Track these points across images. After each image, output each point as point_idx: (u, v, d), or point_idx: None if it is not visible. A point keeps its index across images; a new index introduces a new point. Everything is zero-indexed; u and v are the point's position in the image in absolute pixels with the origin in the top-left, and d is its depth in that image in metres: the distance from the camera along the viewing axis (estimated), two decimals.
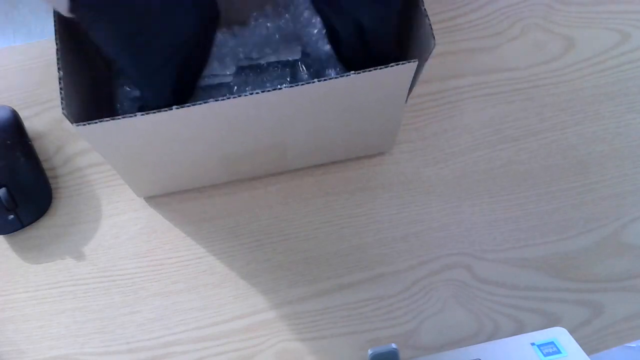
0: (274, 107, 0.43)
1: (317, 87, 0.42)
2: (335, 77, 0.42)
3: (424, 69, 0.46)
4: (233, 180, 0.54)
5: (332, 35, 0.51)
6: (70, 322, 0.52)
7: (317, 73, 0.53)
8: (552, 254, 0.54)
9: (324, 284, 0.53)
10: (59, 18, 0.43)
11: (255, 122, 0.44)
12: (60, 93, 0.40)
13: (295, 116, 0.45)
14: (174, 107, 0.40)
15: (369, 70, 0.41)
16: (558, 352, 0.45)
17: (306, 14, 0.53)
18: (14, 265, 0.53)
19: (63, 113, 0.39)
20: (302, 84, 0.41)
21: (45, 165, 0.55)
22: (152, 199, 0.54)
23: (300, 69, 0.54)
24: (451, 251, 0.54)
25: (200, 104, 0.40)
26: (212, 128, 0.44)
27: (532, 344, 0.46)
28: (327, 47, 0.53)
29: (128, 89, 0.52)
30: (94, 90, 0.48)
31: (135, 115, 0.40)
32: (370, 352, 0.46)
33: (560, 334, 0.47)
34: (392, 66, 0.41)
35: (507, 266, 0.53)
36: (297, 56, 0.53)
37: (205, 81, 0.52)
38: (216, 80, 0.53)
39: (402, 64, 0.41)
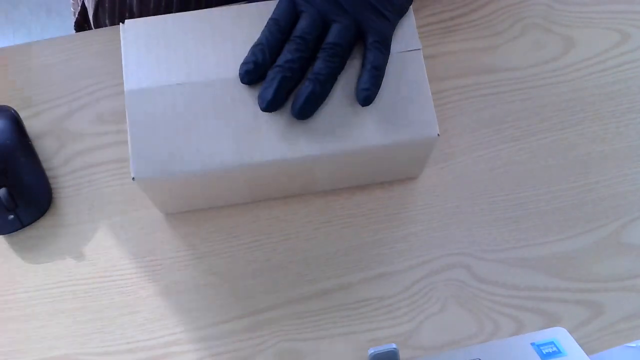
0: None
1: (344, 157, 0.46)
2: (363, 146, 0.46)
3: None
4: (257, 200, 0.54)
5: None
6: (70, 322, 0.52)
7: None
8: (552, 254, 0.54)
9: (324, 284, 0.53)
10: None
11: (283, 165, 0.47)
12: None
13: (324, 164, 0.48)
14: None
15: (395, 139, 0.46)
16: (558, 352, 0.45)
17: None
18: (14, 265, 0.53)
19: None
20: (325, 153, 0.45)
21: (45, 165, 0.55)
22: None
23: None
24: (451, 251, 0.54)
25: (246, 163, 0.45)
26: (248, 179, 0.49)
27: (532, 344, 0.46)
28: None
29: None
30: None
31: (191, 171, 0.45)
32: (370, 352, 0.46)
33: (560, 334, 0.47)
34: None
35: (507, 266, 0.53)
36: None
37: None
38: None
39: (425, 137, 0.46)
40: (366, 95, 0.44)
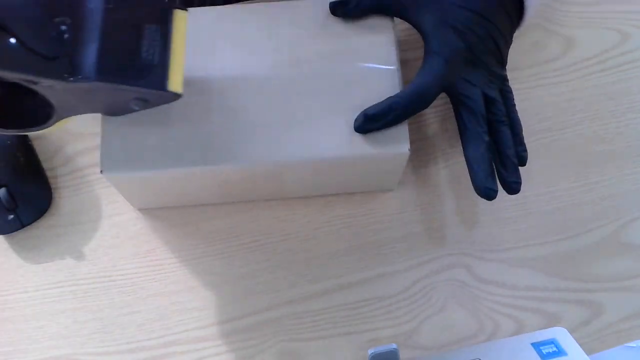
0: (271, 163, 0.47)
1: (314, 163, 0.47)
2: (334, 157, 0.46)
3: None
4: (229, 202, 0.54)
5: None
6: (70, 322, 0.52)
7: None
8: (552, 254, 0.54)
9: (324, 284, 0.53)
10: None
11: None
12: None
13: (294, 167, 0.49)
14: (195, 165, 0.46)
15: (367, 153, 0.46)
16: (558, 352, 0.45)
17: None
18: (14, 265, 0.53)
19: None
20: (297, 160, 0.46)
21: (45, 165, 0.55)
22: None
23: None
24: (451, 251, 0.54)
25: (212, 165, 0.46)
26: (221, 179, 0.49)
27: (532, 344, 0.46)
28: None
29: None
30: None
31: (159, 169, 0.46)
32: (370, 352, 0.46)
33: (560, 334, 0.47)
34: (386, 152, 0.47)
35: (507, 266, 0.53)
36: None
37: None
38: None
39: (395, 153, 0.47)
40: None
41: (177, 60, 0.42)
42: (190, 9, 0.44)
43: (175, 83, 0.41)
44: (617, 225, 0.55)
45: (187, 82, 0.43)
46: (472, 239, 0.54)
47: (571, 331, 0.48)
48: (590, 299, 0.53)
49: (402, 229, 0.54)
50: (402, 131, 0.47)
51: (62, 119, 0.42)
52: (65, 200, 0.55)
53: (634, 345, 0.51)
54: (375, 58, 0.48)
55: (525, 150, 0.50)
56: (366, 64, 0.48)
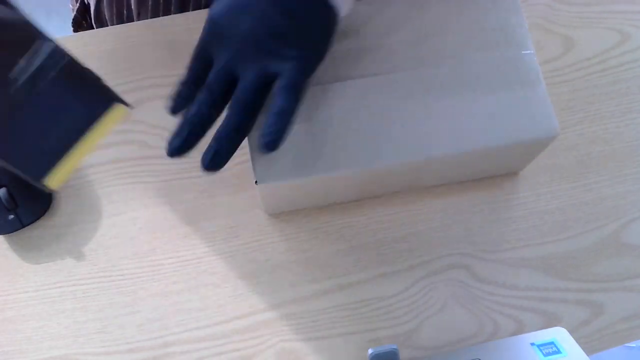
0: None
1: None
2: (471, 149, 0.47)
3: None
4: (362, 198, 0.55)
5: None
6: (70, 322, 0.52)
7: None
8: (552, 254, 0.54)
9: (324, 284, 0.53)
10: None
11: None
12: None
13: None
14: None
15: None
16: (558, 352, 0.45)
17: None
18: (14, 265, 0.53)
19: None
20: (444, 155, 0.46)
21: None
22: (158, 197, 0.54)
23: None
24: (451, 251, 0.54)
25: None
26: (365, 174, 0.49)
27: (532, 344, 0.46)
28: None
29: None
30: None
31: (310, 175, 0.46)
32: (370, 352, 0.46)
33: (560, 334, 0.47)
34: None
35: (507, 266, 0.53)
36: None
37: None
38: None
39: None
40: (267, 142, 0.43)
41: (75, 156, 0.40)
42: None
43: (55, 179, 0.39)
44: (617, 225, 0.55)
45: (325, 89, 0.44)
46: (472, 239, 0.54)
47: (571, 331, 0.48)
48: (590, 299, 0.53)
49: (402, 229, 0.54)
50: (548, 112, 0.47)
51: None
52: (65, 200, 0.55)
53: (634, 345, 0.51)
54: (507, 42, 0.49)
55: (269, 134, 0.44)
56: (500, 49, 0.48)
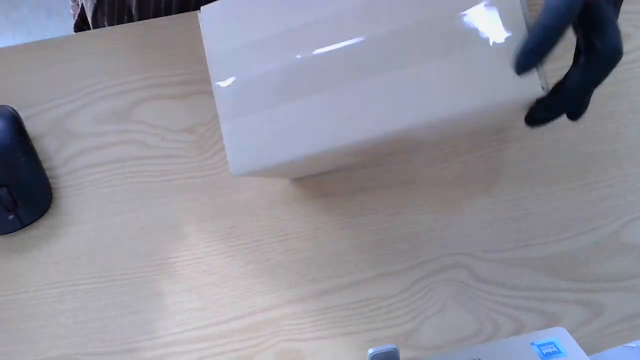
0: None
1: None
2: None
3: None
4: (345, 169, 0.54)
5: None
6: (70, 322, 0.52)
7: None
8: (552, 254, 0.54)
9: (324, 284, 0.53)
10: None
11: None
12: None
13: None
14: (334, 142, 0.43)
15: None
16: (558, 352, 0.45)
17: None
18: (14, 265, 0.53)
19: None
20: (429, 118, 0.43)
21: (45, 165, 0.55)
22: (148, 192, 0.54)
23: None
24: (451, 251, 0.54)
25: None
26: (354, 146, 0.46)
27: (532, 344, 0.46)
28: None
29: None
30: None
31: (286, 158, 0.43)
32: (370, 352, 0.46)
33: (560, 334, 0.47)
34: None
35: (507, 266, 0.53)
36: None
37: None
38: None
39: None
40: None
41: None
42: None
43: None
44: (617, 225, 0.55)
45: (286, 69, 0.42)
46: (472, 239, 0.54)
47: (571, 331, 0.48)
48: (590, 299, 0.53)
49: (402, 229, 0.54)
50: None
51: None
52: (65, 200, 0.55)
53: (634, 345, 0.51)
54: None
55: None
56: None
